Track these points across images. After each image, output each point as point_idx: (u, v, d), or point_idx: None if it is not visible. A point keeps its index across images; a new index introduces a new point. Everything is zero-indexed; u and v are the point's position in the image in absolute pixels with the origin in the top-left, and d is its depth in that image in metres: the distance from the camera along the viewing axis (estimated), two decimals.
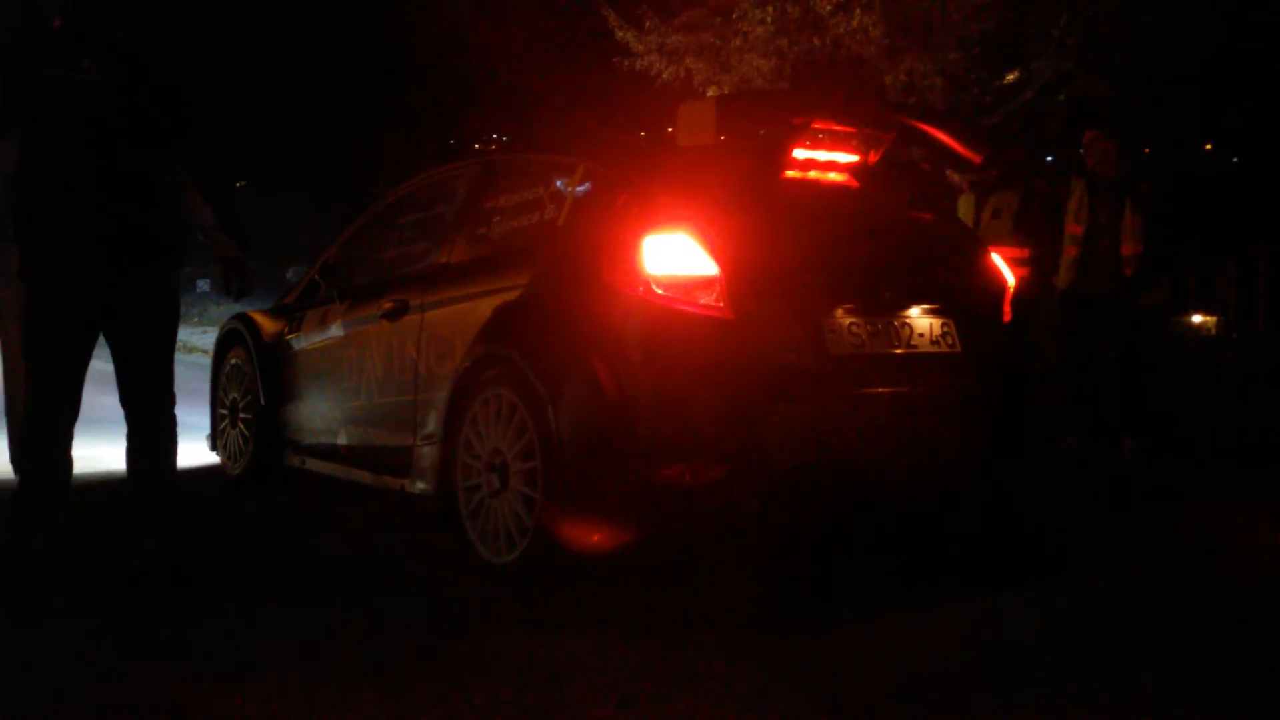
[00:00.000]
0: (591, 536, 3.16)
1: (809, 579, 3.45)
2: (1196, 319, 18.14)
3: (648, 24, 9.97)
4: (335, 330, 4.55)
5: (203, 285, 20.79)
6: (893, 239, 3.60)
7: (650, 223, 3.20)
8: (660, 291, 3.14)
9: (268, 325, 5.04)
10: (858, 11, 9.06)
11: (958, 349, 3.51)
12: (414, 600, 3.22)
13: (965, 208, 6.26)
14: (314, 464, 4.63)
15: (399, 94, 28.04)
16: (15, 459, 4.28)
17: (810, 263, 3.36)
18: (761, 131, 3.52)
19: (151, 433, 3.54)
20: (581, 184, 3.61)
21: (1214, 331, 17.82)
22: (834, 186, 3.65)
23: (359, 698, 2.37)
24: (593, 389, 3.14)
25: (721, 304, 3.15)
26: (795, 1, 9.27)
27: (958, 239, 3.83)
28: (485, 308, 3.59)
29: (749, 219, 3.34)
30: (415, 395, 3.89)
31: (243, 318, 5.16)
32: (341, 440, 4.45)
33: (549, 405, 3.18)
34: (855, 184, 3.66)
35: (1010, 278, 3.78)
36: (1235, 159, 23.38)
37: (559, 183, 3.71)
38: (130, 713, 2.28)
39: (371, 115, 27.47)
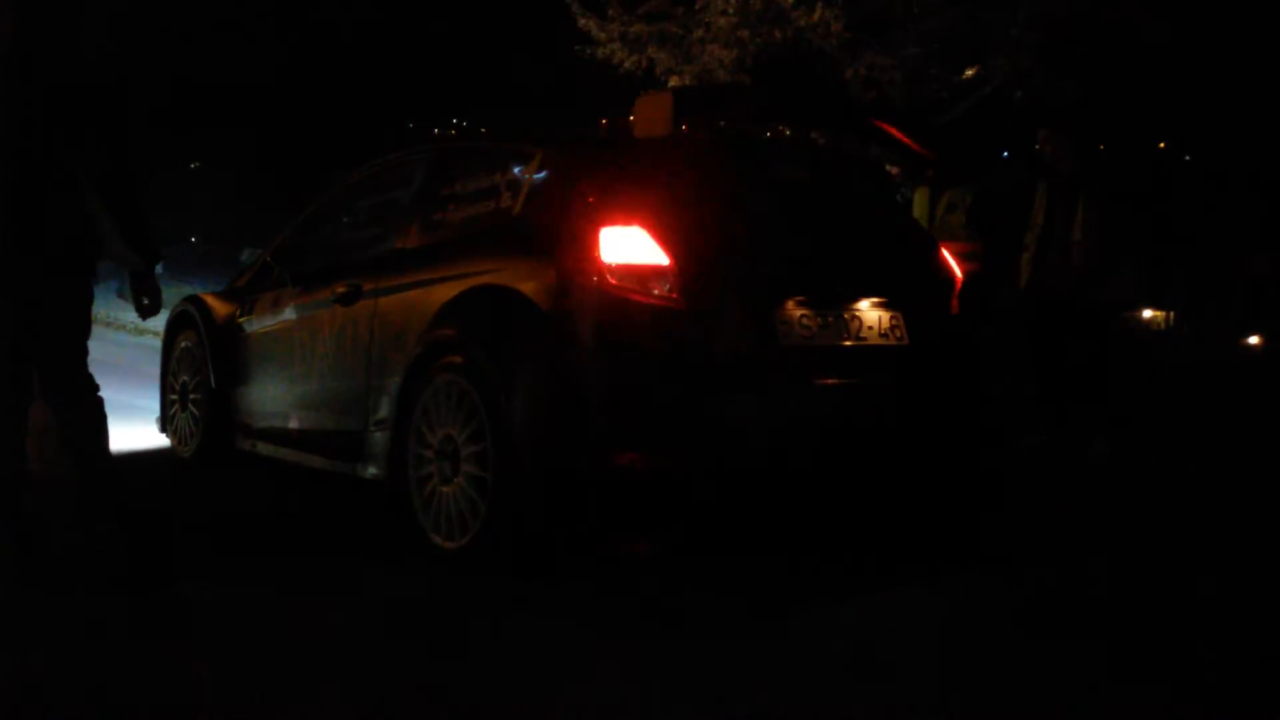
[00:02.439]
0: (544, 523, 3.19)
1: (763, 565, 3.50)
2: (1147, 314, 18.50)
3: (610, 12, 9.96)
4: (288, 314, 4.52)
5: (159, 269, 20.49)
6: (845, 233, 3.65)
7: (606, 214, 3.22)
8: (614, 281, 3.16)
9: (219, 308, 4.99)
10: (819, 6, 9.14)
11: (906, 342, 3.56)
12: (361, 585, 3.23)
13: (920, 202, 6.33)
14: (265, 447, 4.60)
15: (361, 76, 27.78)
16: None
17: (762, 255, 3.40)
18: (720, 125, 3.54)
19: (82, 417, 3.34)
20: (538, 172, 3.61)
21: (1164, 326, 18.19)
22: (788, 180, 3.68)
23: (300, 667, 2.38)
24: (547, 377, 3.17)
25: (674, 294, 3.18)
26: None
27: (909, 234, 3.89)
28: (440, 294, 3.59)
29: (703, 211, 3.37)
30: (367, 380, 3.88)
31: (194, 300, 5.11)
32: (293, 424, 4.42)
33: (502, 392, 3.19)
34: (809, 178, 3.70)
35: (959, 272, 3.85)
36: (1187, 156, 23.79)
37: (515, 171, 3.71)
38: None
39: (331, 97, 27.19)
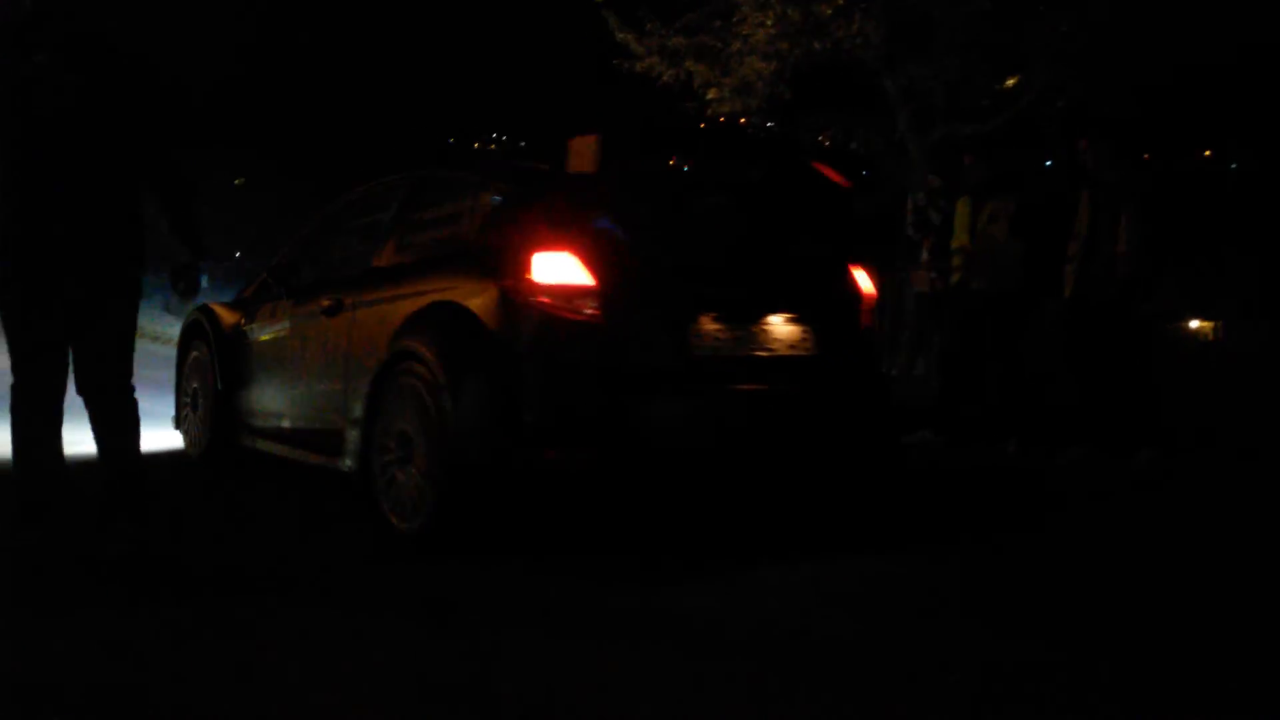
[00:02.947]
0: (484, 508, 3.68)
1: (676, 547, 3.96)
2: (1194, 324, 18.50)
3: (649, 26, 9.95)
4: (283, 324, 5.06)
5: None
6: (761, 254, 4.12)
7: (539, 240, 3.72)
8: (545, 300, 3.65)
9: (227, 316, 5.55)
10: (857, 16, 9.13)
11: (815, 353, 4.02)
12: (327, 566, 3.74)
13: (962, 213, 6.36)
14: (264, 444, 5.14)
15: (399, 94, 28.44)
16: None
17: (680, 276, 3.87)
18: (642, 162, 4.02)
19: (117, 415, 3.56)
20: (491, 202, 4.12)
21: (1211, 336, 18.17)
22: (709, 207, 4.16)
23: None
24: (486, 382, 3.66)
25: (597, 311, 3.66)
26: (796, 5, 9.29)
27: (822, 254, 4.34)
28: (405, 308, 4.10)
29: (626, 237, 3.85)
30: (345, 384, 4.40)
31: (205, 309, 5.67)
32: (286, 423, 4.96)
33: (449, 394, 3.69)
34: (731, 206, 4.17)
35: (870, 289, 4.30)
36: (1233, 165, 23.62)
37: (474, 200, 4.22)
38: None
39: (372, 115, 27.83)
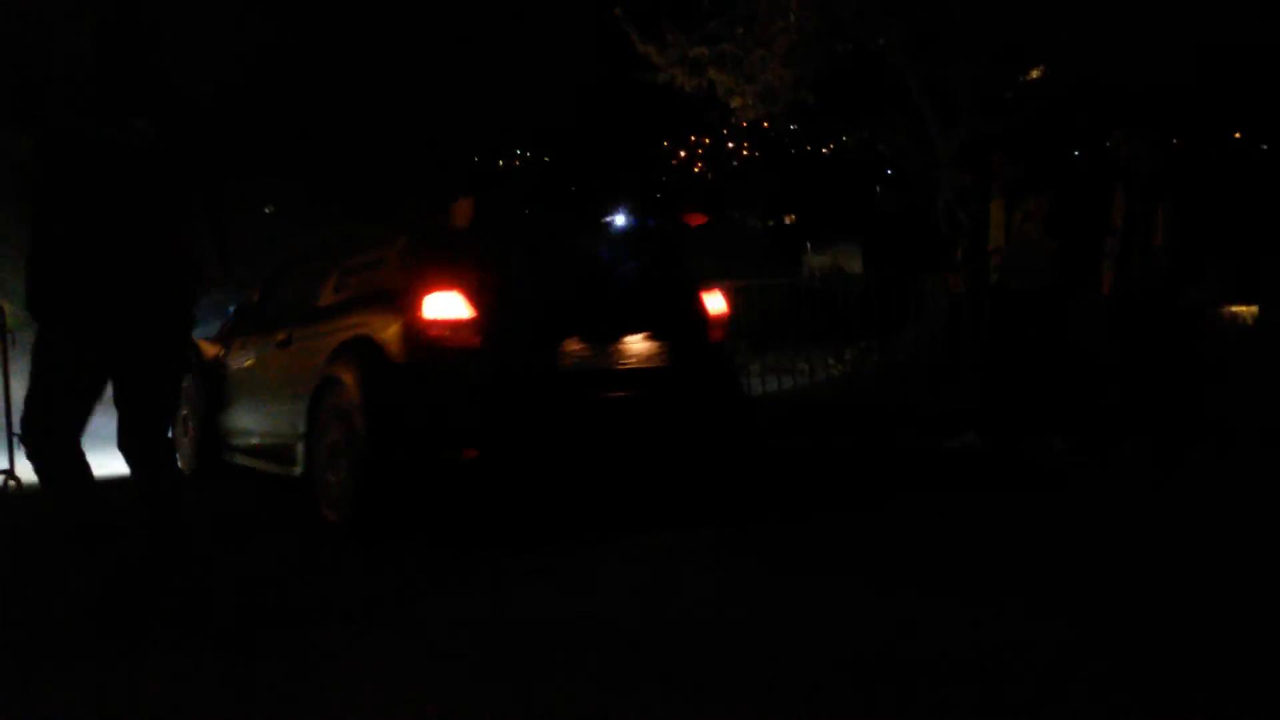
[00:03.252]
0: (392, 501, 4.58)
1: (555, 523, 4.83)
2: (1235, 309, 18.44)
3: (669, 37, 9.96)
4: (251, 355, 6.01)
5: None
6: (620, 286, 5.00)
7: (431, 283, 4.62)
8: (434, 332, 4.55)
9: (209, 349, 6.52)
10: (879, 16, 9.03)
11: (666, 364, 4.89)
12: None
13: (995, 214, 6.35)
14: (240, 459, 6.08)
15: (421, 119, 29.27)
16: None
17: (550, 307, 4.76)
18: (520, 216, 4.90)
19: (160, 470, 3.46)
20: (402, 250, 5.03)
21: (1250, 323, 18.05)
22: (576, 249, 5.05)
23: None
24: (387, 399, 4.56)
25: (477, 338, 4.56)
26: (815, 10, 9.26)
27: (674, 281, 5.21)
28: (335, 340, 5.02)
29: (503, 277, 4.75)
30: (293, 404, 5.31)
31: (190, 344, 6.63)
32: (255, 440, 5.90)
33: (362, 412, 4.59)
34: (595, 248, 5.06)
35: (720, 309, 5.15)
36: (1264, 146, 22.99)
37: (389, 249, 5.13)
38: None
39: (398, 138, 28.59)
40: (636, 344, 4.86)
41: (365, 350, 4.75)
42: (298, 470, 5.24)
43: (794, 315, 10.27)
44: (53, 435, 3.30)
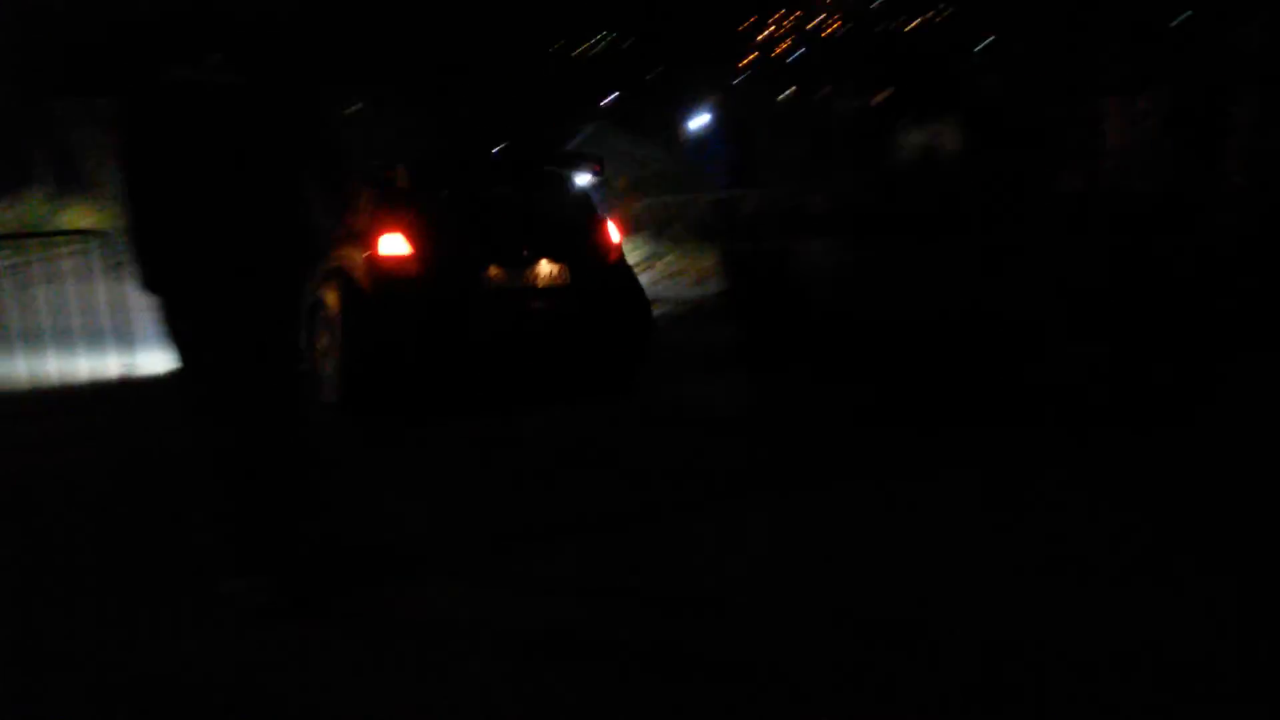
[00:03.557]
0: (369, 388, 6.23)
1: (503, 404, 6.41)
2: None
3: None
4: None
5: None
6: (534, 222, 6.47)
7: (381, 226, 6.16)
8: (384, 265, 6.11)
9: None
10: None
11: (569, 283, 6.36)
12: None
13: (1112, 109, 6.05)
14: None
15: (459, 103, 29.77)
16: None
17: (475, 240, 6.26)
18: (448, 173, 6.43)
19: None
20: (367, 203, 6.57)
21: None
22: (497, 197, 6.52)
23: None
24: (355, 310, 6.16)
25: (417, 267, 6.10)
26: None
27: (582, 216, 6.64)
28: (328, 269, 6.63)
29: (437, 221, 6.26)
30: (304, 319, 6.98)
31: None
32: None
33: (338, 323, 6.21)
34: (512, 192, 6.53)
35: (617, 237, 6.58)
36: None
37: (362, 200, 6.68)
38: None
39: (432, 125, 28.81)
40: (545, 267, 6.34)
41: (341, 278, 6.35)
42: (303, 366, 6.93)
43: None
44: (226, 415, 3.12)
